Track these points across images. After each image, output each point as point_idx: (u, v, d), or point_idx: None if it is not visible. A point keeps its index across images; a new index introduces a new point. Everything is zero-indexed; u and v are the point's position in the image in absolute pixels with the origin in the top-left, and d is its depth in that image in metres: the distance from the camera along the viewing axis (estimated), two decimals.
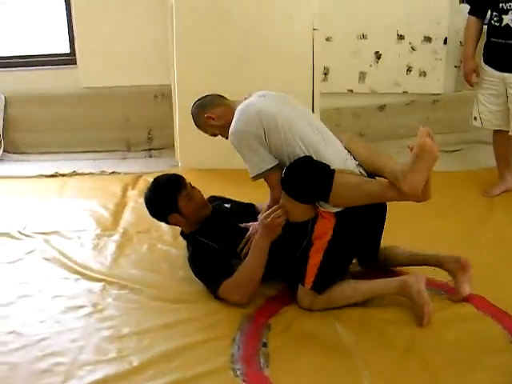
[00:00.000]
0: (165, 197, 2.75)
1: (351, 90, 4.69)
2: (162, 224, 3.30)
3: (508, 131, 3.66)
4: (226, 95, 3.90)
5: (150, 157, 4.62)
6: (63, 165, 4.33)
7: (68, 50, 4.68)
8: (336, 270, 2.54)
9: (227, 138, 2.67)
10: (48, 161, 4.46)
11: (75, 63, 4.62)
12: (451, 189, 3.82)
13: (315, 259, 2.47)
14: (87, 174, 4.19)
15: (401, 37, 4.56)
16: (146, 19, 4.49)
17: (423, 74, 4.67)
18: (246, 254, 2.60)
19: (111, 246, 3.12)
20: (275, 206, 2.53)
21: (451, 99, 4.77)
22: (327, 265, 2.48)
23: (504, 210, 3.49)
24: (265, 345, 2.31)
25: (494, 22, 3.52)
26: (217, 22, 3.89)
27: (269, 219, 2.50)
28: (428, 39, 4.58)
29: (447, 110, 4.74)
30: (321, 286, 2.49)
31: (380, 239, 2.71)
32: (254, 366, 2.19)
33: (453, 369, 2.19)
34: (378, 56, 4.61)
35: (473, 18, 3.71)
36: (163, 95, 4.59)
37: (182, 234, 2.88)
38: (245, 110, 2.59)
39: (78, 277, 2.83)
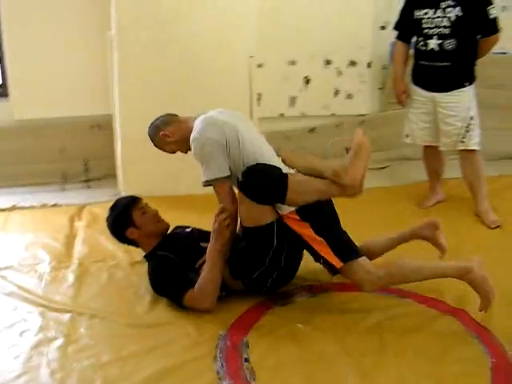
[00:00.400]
0: (120, 212, 2.94)
1: (282, 114, 4.88)
2: (117, 253, 3.37)
3: (438, 146, 3.94)
4: None
5: (89, 187, 4.60)
6: (0, 199, 4.24)
7: None
8: (339, 233, 2.72)
9: (185, 152, 2.90)
10: None
11: (7, 95, 4.55)
12: (387, 203, 4.07)
13: (317, 244, 2.64)
14: (28, 207, 4.11)
15: (328, 62, 4.81)
16: (80, 49, 4.51)
17: (350, 96, 4.93)
18: (201, 265, 2.76)
19: (70, 277, 3.10)
20: (218, 211, 2.71)
21: (377, 119, 5.05)
22: (329, 237, 2.65)
23: (442, 219, 3.73)
24: (246, 360, 2.38)
25: (420, 46, 3.78)
26: (158, 52, 3.96)
27: (216, 224, 2.69)
28: (353, 63, 4.85)
29: (374, 129, 4.97)
30: (346, 253, 2.64)
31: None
32: (241, 380, 2.25)
33: (427, 361, 2.37)
34: (306, 81, 4.83)
35: (400, 43, 3.97)
36: (99, 126, 4.61)
37: (145, 256, 2.97)
38: (208, 120, 2.75)
39: (43, 309, 2.78)
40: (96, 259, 3.30)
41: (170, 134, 2.88)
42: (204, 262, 2.76)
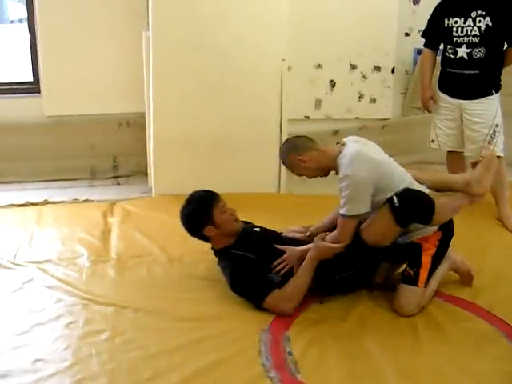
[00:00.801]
0: (201, 209, 2.93)
1: (308, 117, 4.97)
2: (154, 249, 3.45)
3: (462, 152, 4.02)
4: (199, 123, 4.10)
5: (118, 184, 4.69)
6: (32, 194, 4.33)
7: (31, 79, 4.69)
8: (439, 264, 2.94)
9: (310, 177, 2.98)
10: (14, 190, 4.45)
11: (39, 92, 4.63)
12: None
13: (426, 266, 2.86)
14: (59, 202, 4.19)
15: (353, 66, 4.90)
16: (113, 48, 4.60)
17: (373, 100, 5.02)
18: (275, 266, 2.87)
19: (110, 272, 3.18)
20: (336, 245, 2.80)
21: (399, 123, 5.14)
22: (434, 264, 2.89)
23: (465, 224, 3.80)
24: (290, 354, 2.47)
25: (449, 54, 3.84)
26: (193, 53, 4.04)
27: (326, 247, 2.81)
28: (378, 68, 4.94)
29: (395, 133, 5.09)
30: (428, 280, 2.88)
31: None
32: (287, 373, 2.34)
33: (462, 357, 2.47)
34: (332, 84, 4.92)
35: (428, 51, 4.03)
36: (128, 123, 4.69)
37: (214, 249, 3.03)
38: (360, 156, 2.78)
39: (87, 302, 2.86)
40: (133, 255, 3.37)
41: (306, 161, 2.89)
42: (281, 262, 2.87)
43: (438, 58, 4.03)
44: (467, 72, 3.80)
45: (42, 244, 3.52)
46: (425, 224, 2.82)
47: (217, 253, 3.03)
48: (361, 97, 4.99)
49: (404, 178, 2.89)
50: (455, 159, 4.12)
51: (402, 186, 2.81)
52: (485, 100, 3.83)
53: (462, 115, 3.92)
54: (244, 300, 2.86)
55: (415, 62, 5.07)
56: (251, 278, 2.82)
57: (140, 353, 2.47)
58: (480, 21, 3.69)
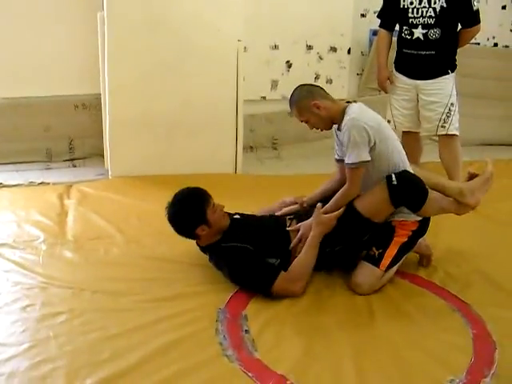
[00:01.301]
0: (195, 209, 2.85)
1: (264, 97, 5.00)
2: (111, 231, 3.45)
3: (417, 132, 4.11)
4: (156, 104, 4.10)
5: (74, 166, 4.66)
6: None
7: None
8: (403, 255, 2.97)
9: (313, 128, 3.01)
10: None
11: None
12: None
13: (392, 250, 2.90)
14: (15, 185, 4.15)
15: (309, 47, 4.95)
16: (66, 29, 4.54)
17: (330, 81, 5.10)
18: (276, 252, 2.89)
19: (67, 254, 3.17)
20: (338, 212, 2.88)
21: None
22: (400, 254, 2.92)
23: None
24: (247, 332, 2.51)
25: (405, 35, 3.90)
26: (148, 33, 4.04)
27: (327, 217, 2.86)
28: (334, 49, 5.02)
29: None
30: (390, 267, 2.91)
31: None
32: (244, 351, 2.38)
33: (416, 332, 2.57)
34: (288, 65, 4.96)
35: (383, 31, 4.08)
36: (84, 105, 4.66)
37: (198, 245, 2.99)
38: (366, 110, 2.89)
39: (45, 286, 2.84)
40: (90, 237, 3.37)
41: (321, 107, 2.89)
42: (298, 241, 2.90)
43: (394, 39, 4.08)
44: (423, 53, 3.86)
45: None
46: (413, 210, 2.86)
47: (205, 249, 2.98)
48: (317, 77, 5.06)
49: (406, 163, 2.95)
50: (410, 139, 4.18)
51: (401, 161, 2.88)
52: (441, 80, 3.91)
53: (417, 95, 3.99)
54: (203, 281, 2.90)
55: (371, 43, 5.15)
56: (252, 267, 2.79)
57: (98, 334, 2.47)
58: (435, 2, 3.76)
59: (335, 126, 2.98)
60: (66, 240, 3.33)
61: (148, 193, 3.94)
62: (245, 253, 2.82)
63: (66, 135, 4.71)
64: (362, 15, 5.09)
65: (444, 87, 3.92)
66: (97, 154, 4.65)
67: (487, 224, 3.77)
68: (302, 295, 2.78)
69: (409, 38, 3.88)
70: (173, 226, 2.91)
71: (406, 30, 3.89)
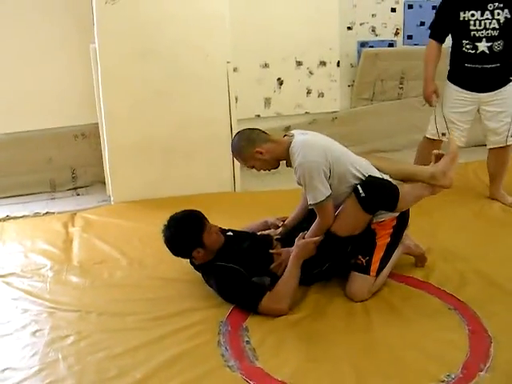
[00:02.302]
0: (191, 233, 2.91)
1: (258, 115, 5.12)
2: (114, 254, 3.55)
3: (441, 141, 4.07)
4: (151, 128, 4.20)
5: (78, 195, 4.78)
6: None
7: None
8: (391, 254, 3.03)
9: (260, 170, 3.05)
10: None
11: None
12: None
13: (379, 254, 2.95)
14: (21, 217, 4.26)
15: (299, 63, 5.06)
16: (62, 62, 4.67)
17: (321, 94, 5.19)
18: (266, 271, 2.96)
19: (74, 279, 3.27)
20: (316, 238, 2.92)
21: (348, 115, 5.31)
22: (386, 254, 2.98)
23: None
24: (248, 342, 2.59)
25: (468, 49, 3.79)
26: (139, 61, 4.14)
27: (309, 243, 2.91)
28: (323, 63, 5.11)
29: (345, 125, 5.27)
30: (380, 270, 2.97)
31: None
32: (246, 360, 2.46)
33: (412, 333, 2.64)
34: (280, 82, 5.07)
35: (434, 43, 3.92)
36: (83, 134, 4.78)
37: (192, 263, 3.07)
38: (309, 144, 2.89)
39: (53, 311, 2.93)
40: (95, 261, 3.47)
41: (264, 152, 2.93)
42: (278, 265, 2.96)
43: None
44: (488, 66, 3.78)
45: (6, 258, 3.59)
46: (390, 211, 2.92)
47: (198, 267, 3.06)
48: (309, 92, 5.15)
49: (360, 163, 2.97)
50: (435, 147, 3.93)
51: (359, 171, 2.90)
52: (504, 89, 3.85)
53: (479, 109, 3.93)
54: (203, 296, 2.99)
55: (359, 55, 5.26)
56: (240, 288, 2.85)
57: (105, 353, 2.56)
58: (499, 13, 3.67)
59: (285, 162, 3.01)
60: (72, 266, 3.43)
61: (149, 216, 4.04)
62: (234, 273, 2.88)
63: (67, 165, 4.83)
64: (349, 28, 5.19)
65: (508, 96, 3.87)
66: (99, 182, 4.76)
67: (483, 223, 3.85)
68: (288, 312, 2.81)
69: (472, 52, 3.77)
70: (169, 249, 2.99)
71: (467, 43, 3.78)
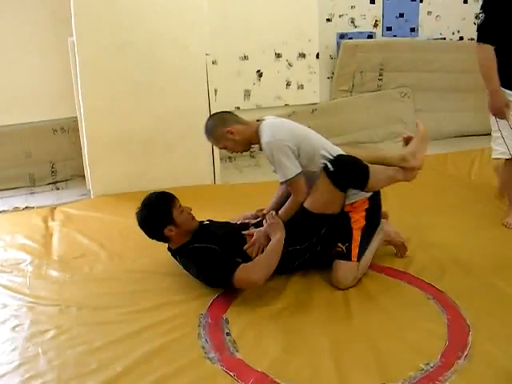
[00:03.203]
0: (161, 210, 2.97)
1: (238, 107, 5.12)
2: (94, 248, 3.54)
3: None
4: (131, 121, 4.18)
5: (57, 189, 4.76)
6: None
7: None
8: (370, 238, 3.06)
9: (233, 152, 3.14)
10: None
11: None
12: None
13: (357, 239, 2.98)
14: (0, 212, 4.24)
15: (278, 55, 5.06)
16: (40, 55, 4.66)
17: (301, 86, 5.21)
18: (241, 255, 2.95)
19: (53, 273, 3.25)
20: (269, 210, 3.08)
21: (328, 107, 5.33)
22: (364, 238, 3.00)
23: None
24: (228, 334, 2.60)
25: None
26: (117, 54, 4.15)
27: (275, 221, 2.98)
28: (302, 55, 5.13)
29: (325, 117, 5.28)
30: (361, 254, 3.00)
31: None
32: (226, 352, 2.47)
33: (392, 323, 2.66)
34: (259, 74, 5.07)
35: (488, 47, 3.35)
36: (62, 128, 4.76)
37: (170, 249, 3.09)
38: (277, 125, 3.01)
39: (32, 305, 2.92)
40: (75, 255, 3.46)
41: (235, 132, 3.02)
42: (251, 245, 2.99)
43: None
44: None
45: None
46: (361, 189, 2.94)
47: (175, 252, 3.07)
48: (288, 84, 5.17)
49: (331, 146, 3.03)
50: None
51: (330, 153, 2.94)
52: None
53: None
54: (184, 290, 2.99)
55: (338, 47, 5.27)
56: (214, 264, 2.87)
57: (85, 347, 2.55)
58: None
59: (257, 146, 3.11)
60: (52, 260, 3.42)
61: (129, 209, 3.92)
62: (209, 251, 2.91)
63: (47, 159, 4.82)
64: (328, 20, 5.21)
65: None
66: (78, 176, 4.76)
67: (463, 214, 3.89)
68: (262, 285, 2.83)
69: None
70: (143, 230, 3.03)
71: None
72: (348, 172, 2.88)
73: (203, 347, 2.51)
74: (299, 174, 2.93)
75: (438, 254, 3.29)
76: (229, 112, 3.20)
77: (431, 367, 2.33)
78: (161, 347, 2.52)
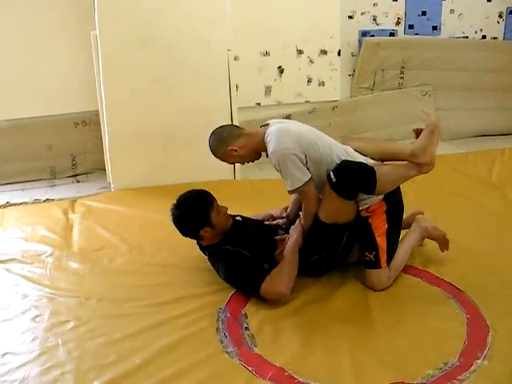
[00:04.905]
0: (199, 211, 2.91)
1: (259, 104, 5.12)
2: (114, 241, 3.56)
3: None
4: (152, 116, 4.19)
5: (78, 182, 4.80)
6: None
7: None
8: (397, 238, 3.01)
9: (243, 163, 3.09)
10: None
11: None
12: None
13: (383, 245, 2.91)
14: (21, 203, 4.28)
15: (300, 51, 5.05)
16: (63, 49, 4.69)
17: (322, 83, 5.19)
18: (269, 259, 2.93)
19: (73, 265, 3.28)
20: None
21: (348, 104, 5.30)
22: (390, 241, 2.93)
23: None
24: (247, 329, 2.61)
25: None
26: (140, 49, 4.15)
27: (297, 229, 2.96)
28: (324, 52, 5.10)
29: (345, 114, 5.26)
30: (390, 258, 2.94)
31: None
32: (244, 347, 2.48)
33: (410, 322, 2.65)
34: (280, 70, 5.07)
35: None
36: (84, 122, 4.79)
37: (199, 244, 3.07)
38: (282, 131, 2.86)
39: (53, 296, 2.95)
40: (95, 248, 3.48)
41: (238, 149, 2.94)
42: (281, 252, 2.94)
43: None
44: None
45: (6, 244, 3.60)
46: (369, 193, 2.83)
47: (205, 248, 3.05)
48: (309, 81, 5.15)
49: (339, 148, 2.92)
50: None
51: (336, 154, 2.86)
52: None
53: None
54: (203, 283, 3.00)
55: (360, 44, 5.26)
56: (243, 271, 2.85)
57: (104, 339, 2.58)
58: None
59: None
60: (72, 252, 3.45)
61: (149, 203, 4.05)
62: (240, 256, 2.89)
63: (68, 152, 4.85)
64: (350, 17, 5.18)
65: None
66: (99, 169, 4.78)
67: (484, 214, 3.85)
68: (289, 296, 2.81)
69: None
70: (177, 228, 2.98)
71: None
72: (352, 180, 2.76)
73: (222, 341, 2.53)
74: (307, 181, 2.82)
75: (458, 253, 3.25)
76: (226, 126, 3.11)
77: (450, 366, 2.32)
78: (179, 340, 2.54)
